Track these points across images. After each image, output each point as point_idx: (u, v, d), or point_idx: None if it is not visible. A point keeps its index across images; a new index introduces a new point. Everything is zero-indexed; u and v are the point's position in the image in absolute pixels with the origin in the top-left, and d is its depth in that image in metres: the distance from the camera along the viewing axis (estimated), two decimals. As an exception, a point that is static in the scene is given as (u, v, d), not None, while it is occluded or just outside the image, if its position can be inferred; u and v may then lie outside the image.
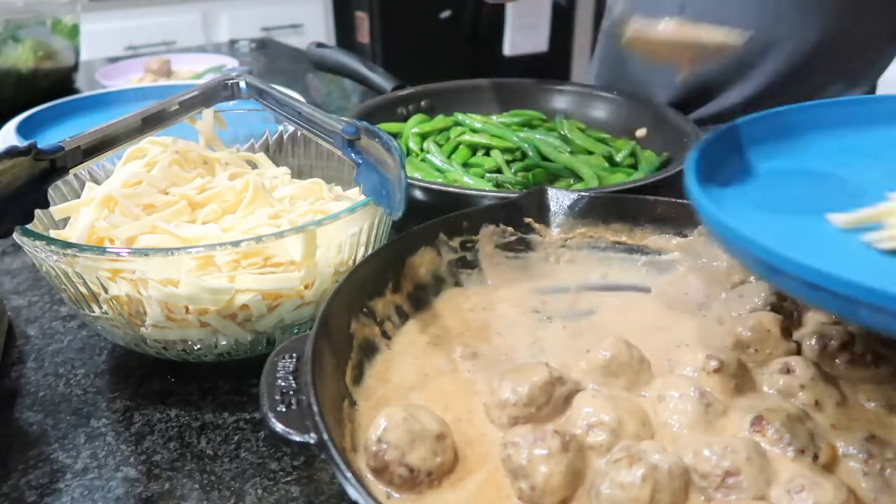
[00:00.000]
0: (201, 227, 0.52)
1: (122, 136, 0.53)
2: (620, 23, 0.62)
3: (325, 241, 0.48)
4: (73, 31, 1.29)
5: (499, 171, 0.74)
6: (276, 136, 0.66)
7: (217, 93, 0.59)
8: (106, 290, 0.46)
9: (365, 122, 0.51)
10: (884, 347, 0.43)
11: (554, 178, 0.74)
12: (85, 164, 0.50)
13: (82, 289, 0.46)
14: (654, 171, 0.73)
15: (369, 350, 0.45)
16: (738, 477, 0.34)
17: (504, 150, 0.77)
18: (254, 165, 0.63)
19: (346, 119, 0.52)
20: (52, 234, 0.52)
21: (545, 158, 0.75)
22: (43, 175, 0.47)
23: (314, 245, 0.47)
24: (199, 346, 0.49)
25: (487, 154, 0.78)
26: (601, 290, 0.53)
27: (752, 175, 0.41)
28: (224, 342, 0.49)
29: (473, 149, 0.78)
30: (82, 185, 0.57)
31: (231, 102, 0.61)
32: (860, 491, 0.35)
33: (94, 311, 0.48)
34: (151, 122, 0.54)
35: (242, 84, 0.60)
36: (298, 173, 0.65)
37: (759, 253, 0.30)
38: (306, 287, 0.49)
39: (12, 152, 0.44)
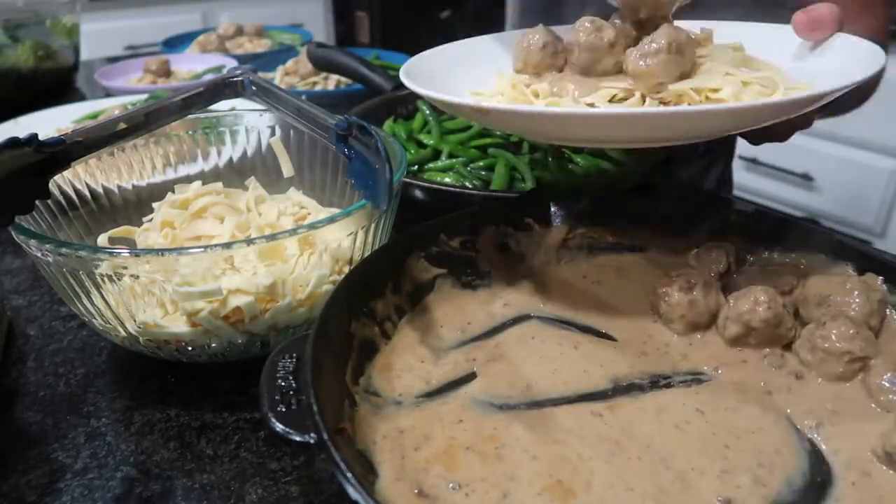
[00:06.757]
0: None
1: (125, 132, 0.53)
2: None
3: (323, 242, 0.48)
4: (73, 31, 1.29)
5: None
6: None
7: (221, 90, 0.60)
8: (100, 291, 0.46)
9: (356, 119, 0.51)
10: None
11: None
12: (87, 157, 0.50)
13: (77, 288, 0.47)
14: (651, 171, 0.73)
15: (369, 350, 0.45)
16: None
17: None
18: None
19: (339, 116, 0.53)
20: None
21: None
22: (44, 167, 0.48)
23: (277, 260, 0.48)
24: (191, 347, 0.49)
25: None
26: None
27: None
28: (216, 343, 0.48)
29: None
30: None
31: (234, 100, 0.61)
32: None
33: (89, 310, 0.48)
34: (154, 118, 0.55)
35: (247, 81, 0.60)
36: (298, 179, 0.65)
37: None
38: (298, 289, 0.49)
39: (13, 144, 0.44)
